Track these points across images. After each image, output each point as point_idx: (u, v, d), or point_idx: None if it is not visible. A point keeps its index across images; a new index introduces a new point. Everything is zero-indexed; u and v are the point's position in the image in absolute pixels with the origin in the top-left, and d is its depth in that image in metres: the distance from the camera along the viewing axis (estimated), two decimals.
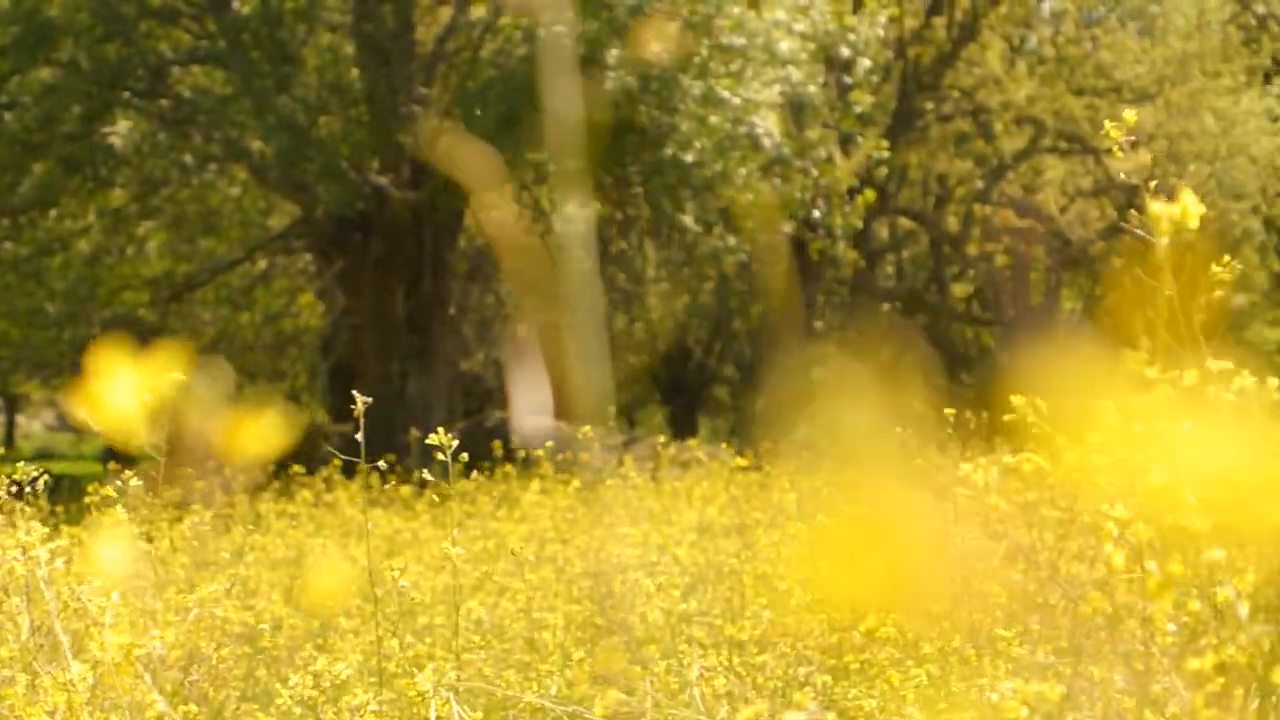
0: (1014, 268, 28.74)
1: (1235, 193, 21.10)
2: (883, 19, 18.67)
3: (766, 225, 19.85)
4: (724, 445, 12.20)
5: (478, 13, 19.25)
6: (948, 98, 21.80)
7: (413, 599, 4.44)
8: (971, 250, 25.86)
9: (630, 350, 31.95)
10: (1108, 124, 2.04)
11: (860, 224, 19.23)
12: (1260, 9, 20.36)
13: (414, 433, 9.59)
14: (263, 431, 1.85)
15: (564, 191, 20.46)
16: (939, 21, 20.64)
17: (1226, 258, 1.41)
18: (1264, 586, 1.15)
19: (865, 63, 18.57)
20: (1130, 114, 1.48)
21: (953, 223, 23.74)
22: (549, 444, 8.53)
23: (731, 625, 4.51)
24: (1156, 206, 1.08)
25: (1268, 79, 24.89)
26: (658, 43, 16.21)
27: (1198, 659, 1.15)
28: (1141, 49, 21.41)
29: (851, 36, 17.90)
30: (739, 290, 28.45)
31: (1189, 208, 1.07)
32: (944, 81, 21.25)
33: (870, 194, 18.52)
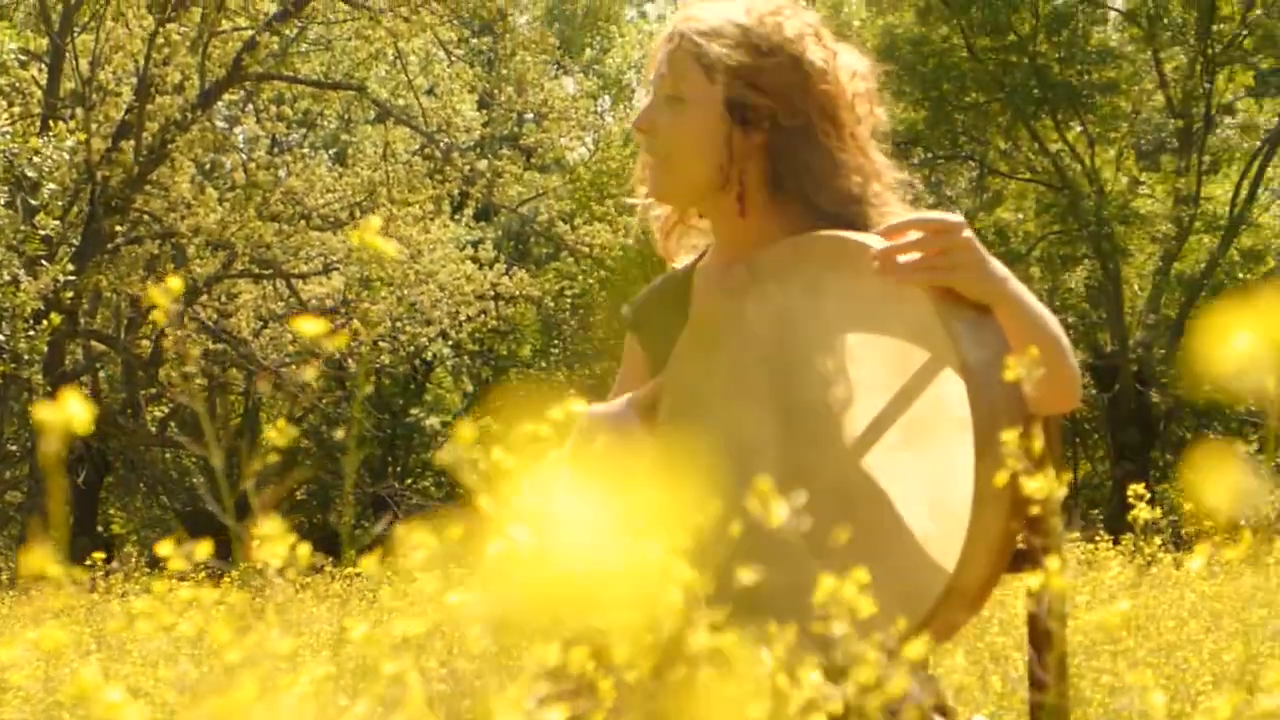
0: (210, 390, 28.57)
1: (425, 318, 21.81)
2: (70, 141, 18.22)
3: None
4: None
5: None
6: (139, 221, 21.49)
7: None
8: (167, 373, 25.51)
9: None
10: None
11: (46, 348, 18.59)
12: (444, 142, 21.28)
13: None
14: None
15: None
16: (127, 145, 20.34)
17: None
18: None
19: (50, 185, 18.05)
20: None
21: (146, 345, 23.36)
22: None
23: None
24: (43, 412, 1.02)
25: (457, 209, 26.03)
26: None
27: None
28: (333, 177, 21.89)
29: (36, 158, 17.37)
30: None
31: (75, 413, 1.01)
32: (134, 204, 20.94)
33: (56, 317, 17.93)
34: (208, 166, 22.54)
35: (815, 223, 2.52)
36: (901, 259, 2.26)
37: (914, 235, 2.28)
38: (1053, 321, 2.33)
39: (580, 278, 30.84)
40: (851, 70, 2.64)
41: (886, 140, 2.69)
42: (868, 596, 1.36)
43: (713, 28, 2.58)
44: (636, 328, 2.79)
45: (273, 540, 1.16)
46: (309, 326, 1.26)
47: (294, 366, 22.06)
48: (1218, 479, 1.21)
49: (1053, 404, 2.34)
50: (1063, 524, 1.47)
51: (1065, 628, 1.86)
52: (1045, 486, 1.43)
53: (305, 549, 1.18)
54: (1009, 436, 1.50)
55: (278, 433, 1.29)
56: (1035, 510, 1.46)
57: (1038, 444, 1.47)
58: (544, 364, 31.55)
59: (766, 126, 2.57)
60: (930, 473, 2.22)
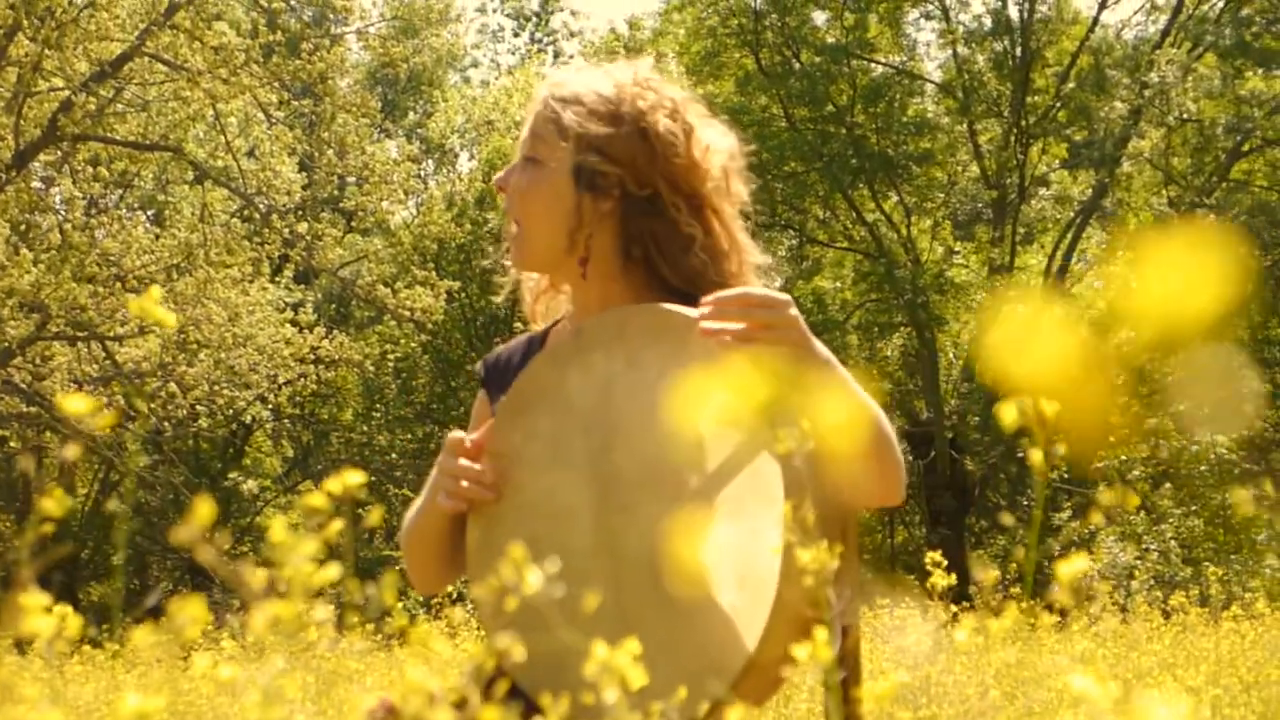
0: (23, 454, 27.94)
1: (244, 382, 21.52)
2: None
3: None
4: None
5: None
6: None
7: None
8: None
9: None
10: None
11: None
12: (263, 204, 21.08)
13: None
14: None
15: None
16: None
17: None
18: None
19: None
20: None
21: None
22: None
23: None
24: None
25: (276, 271, 25.77)
26: None
27: None
28: (150, 238, 21.55)
29: None
30: None
31: None
32: None
33: None
34: (23, 227, 22.13)
35: (662, 295, 2.56)
36: (725, 327, 2.30)
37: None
38: (877, 412, 2.34)
39: (403, 341, 30.69)
40: (714, 147, 2.70)
41: (747, 218, 2.74)
42: (658, 665, 1.38)
43: (574, 94, 2.65)
44: (487, 384, 2.80)
45: (36, 612, 1.15)
46: (74, 404, 1.25)
47: (109, 431, 21.62)
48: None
49: (872, 493, 2.36)
50: (839, 595, 1.51)
51: (840, 695, 1.90)
52: (816, 559, 1.47)
53: (75, 621, 1.17)
54: (785, 509, 1.54)
55: (54, 502, 1.27)
56: (808, 581, 1.50)
57: (809, 518, 1.51)
58: (366, 428, 31.28)
59: (616, 194, 2.61)
60: (741, 546, 2.24)
